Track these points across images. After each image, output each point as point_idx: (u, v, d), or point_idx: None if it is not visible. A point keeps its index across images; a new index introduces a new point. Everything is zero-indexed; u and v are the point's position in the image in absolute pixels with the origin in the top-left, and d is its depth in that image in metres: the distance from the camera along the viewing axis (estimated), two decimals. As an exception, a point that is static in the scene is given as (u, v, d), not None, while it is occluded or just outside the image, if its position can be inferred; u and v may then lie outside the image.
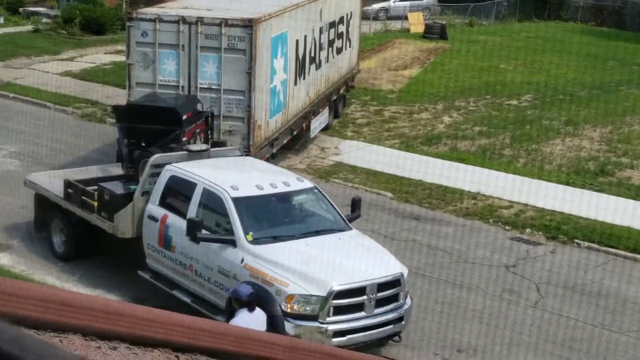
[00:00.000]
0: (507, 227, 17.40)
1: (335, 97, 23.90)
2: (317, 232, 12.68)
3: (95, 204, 14.08)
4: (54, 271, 14.69)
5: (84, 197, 14.32)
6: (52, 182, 15.28)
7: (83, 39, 35.56)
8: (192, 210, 12.59)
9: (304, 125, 21.12)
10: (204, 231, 12.24)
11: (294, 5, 19.96)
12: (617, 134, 23.94)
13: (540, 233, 17.16)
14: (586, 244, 16.62)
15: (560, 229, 17.16)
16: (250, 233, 12.04)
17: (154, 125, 14.95)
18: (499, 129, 24.15)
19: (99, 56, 32.57)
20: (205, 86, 17.42)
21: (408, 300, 12.25)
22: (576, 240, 16.73)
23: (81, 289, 13.82)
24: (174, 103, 16.13)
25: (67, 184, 14.56)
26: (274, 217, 12.91)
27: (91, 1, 38.10)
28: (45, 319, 1.95)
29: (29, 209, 15.77)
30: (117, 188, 14.27)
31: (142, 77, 17.52)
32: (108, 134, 22.16)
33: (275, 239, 12.24)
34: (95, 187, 14.46)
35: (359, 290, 11.62)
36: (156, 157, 13.56)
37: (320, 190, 13.79)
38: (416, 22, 41.15)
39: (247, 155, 15.54)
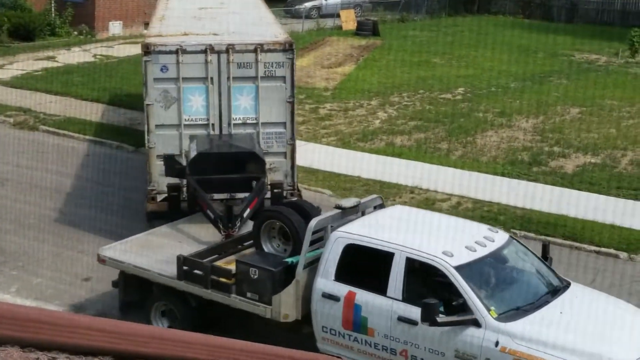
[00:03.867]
0: (445, 220, 17.59)
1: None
2: (551, 293, 10.75)
3: (232, 282, 11.54)
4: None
5: (214, 277, 11.69)
6: (135, 254, 12.75)
7: (12, 46, 34.92)
8: (396, 286, 10.48)
9: None
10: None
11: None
12: (548, 124, 24.38)
13: (478, 224, 17.39)
14: (523, 233, 16.89)
15: (497, 219, 17.41)
16: (493, 308, 10.07)
17: (234, 174, 13.37)
18: (433, 123, 24.41)
19: (30, 63, 32.03)
20: (240, 121, 15.43)
21: None
22: (513, 230, 17.00)
23: (20, 300, 13.61)
24: (249, 145, 14.33)
25: (183, 260, 11.87)
26: (499, 282, 10.99)
27: (19, 7, 37.45)
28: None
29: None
30: (266, 262, 11.62)
31: (163, 118, 15.27)
32: (42, 142, 21.85)
33: (519, 310, 10.21)
34: (220, 260, 12.20)
35: None
36: (317, 221, 11.18)
37: (516, 237, 12.39)
38: (348, 20, 41.35)
39: (297, 195, 14.35)
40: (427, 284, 10.55)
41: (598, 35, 39.39)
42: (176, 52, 15.07)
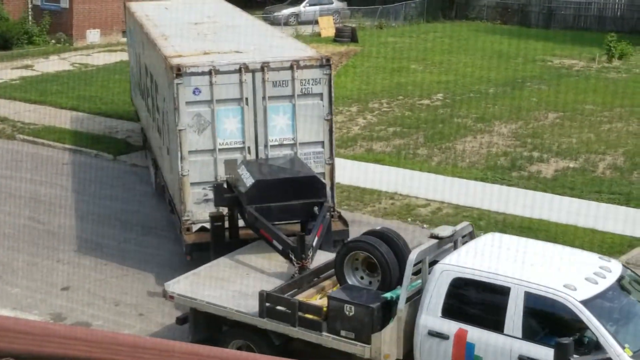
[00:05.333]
0: (425, 225, 17.61)
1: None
2: None
3: (323, 320, 10.66)
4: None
5: (301, 314, 10.82)
6: (205, 289, 11.93)
7: (-12, 54, 34.74)
8: (514, 323, 9.67)
9: None
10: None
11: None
12: (527, 129, 24.49)
13: (458, 229, 17.42)
14: (502, 238, 16.92)
15: (477, 224, 17.44)
16: (627, 345, 9.36)
17: (294, 201, 12.67)
18: (412, 129, 24.45)
19: (6, 72, 31.84)
20: (276, 143, 14.69)
21: None
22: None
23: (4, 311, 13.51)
24: (304, 168, 13.71)
25: (265, 297, 11.01)
26: (624, 316, 10.20)
27: (-5, 16, 37.24)
28: None
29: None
30: (361, 298, 10.72)
31: (196, 143, 14.40)
32: (20, 151, 21.71)
33: None
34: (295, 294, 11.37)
35: None
36: (418, 253, 10.32)
37: (628, 266, 11.77)
38: (327, 26, 41.43)
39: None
40: (549, 320, 9.97)
41: (575, 41, 39.65)
42: (209, 72, 14.26)
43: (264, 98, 14.52)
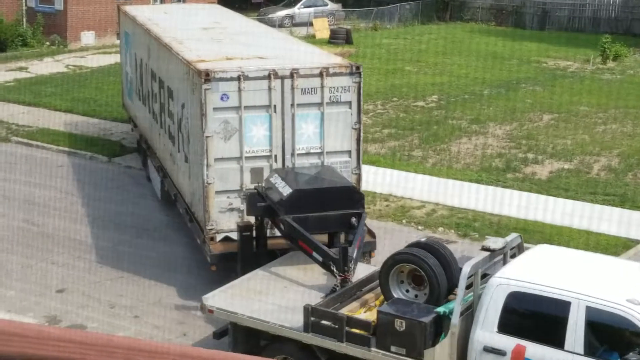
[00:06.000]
0: (420, 227, 17.62)
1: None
2: None
3: (371, 335, 10.38)
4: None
5: (348, 329, 10.47)
6: (244, 303, 11.62)
7: (-17, 56, 34.69)
8: (575, 338, 9.42)
9: None
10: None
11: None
12: (521, 130, 24.53)
13: (452, 231, 17.43)
14: (497, 239, 16.94)
15: (471, 226, 17.47)
16: None
17: (332, 212, 12.32)
18: (407, 131, 24.47)
19: (0, 74, 31.79)
20: (303, 151, 14.38)
21: None
22: (487, 237, 17.05)
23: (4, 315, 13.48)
24: (339, 178, 13.35)
25: (311, 311, 10.67)
26: None
27: (-11, 18, 37.21)
28: None
29: None
30: (412, 312, 10.38)
31: (223, 151, 14.02)
32: (14, 153, 21.67)
33: None
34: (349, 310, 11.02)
35: None
36: (472, 266, 10.02)
37: None
38: (321, 28, 41.46)
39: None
40: (611, 336, 9.76)
41: (569, 42, 39.74)
42: (238, 78, 13.93)
43: (292, 105, 14.18)
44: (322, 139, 14.40)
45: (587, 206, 18.45)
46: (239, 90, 13.93)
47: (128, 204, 18.70)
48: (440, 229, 17.55)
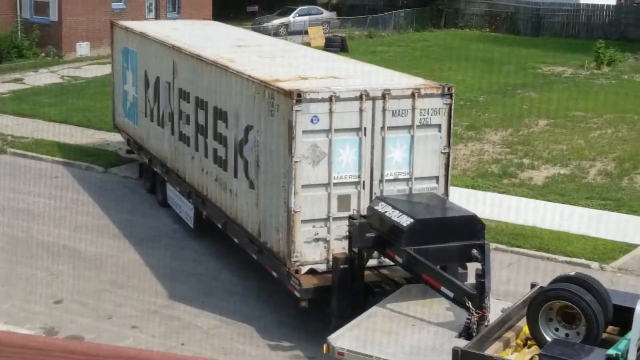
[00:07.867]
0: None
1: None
2: None
3: None
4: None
5: None
6: (375, 344, 10.88)
7: (-22, 68, 34.68)
8: None
9: None
10: None
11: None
12: (517, 136, 24.57)
13: (450, 237, 17.44)
14: (494, 245, 16.95)
15: (469, 232, 17.46)
16: None
17: (453, 243, 11.71)
18: (403, 138, 24.48)
19: (-4, 85, 31.81)
20: (392, 177, 13.51)
21: None
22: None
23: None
24: (462, 209, 12.85)
25: (461, 354, 9.79)
26: None
27: (-16, 29, 37.21)
28: None
29: None
30: (577, 355, 9.59)
31: (310, 177, 13.06)
32: (11, 164, 21.66)
33: None
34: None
35: None
36: None
37: None
38: (316, 36, 41.52)
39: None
40: None
41: (564, 48, 39.84)
42: (330, 99, 13.04)
43: (382, 128, 13.36)
44: (411, 163, 13.60)
45: (583, 211, 18.48)
46: (330, 112, 13.07)
47: (126, 214, 18.67)
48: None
